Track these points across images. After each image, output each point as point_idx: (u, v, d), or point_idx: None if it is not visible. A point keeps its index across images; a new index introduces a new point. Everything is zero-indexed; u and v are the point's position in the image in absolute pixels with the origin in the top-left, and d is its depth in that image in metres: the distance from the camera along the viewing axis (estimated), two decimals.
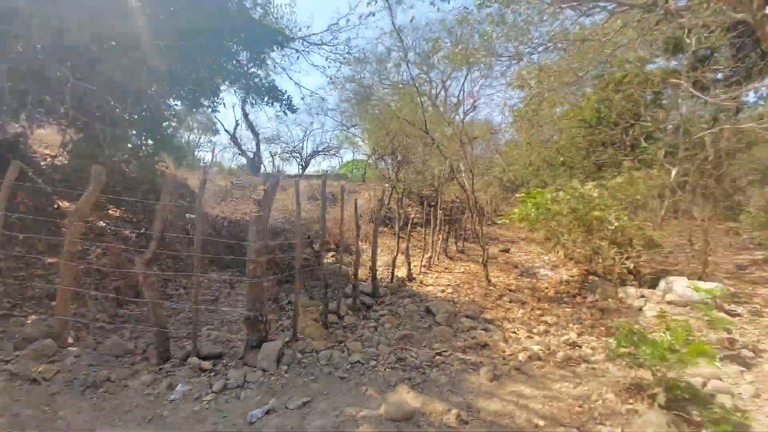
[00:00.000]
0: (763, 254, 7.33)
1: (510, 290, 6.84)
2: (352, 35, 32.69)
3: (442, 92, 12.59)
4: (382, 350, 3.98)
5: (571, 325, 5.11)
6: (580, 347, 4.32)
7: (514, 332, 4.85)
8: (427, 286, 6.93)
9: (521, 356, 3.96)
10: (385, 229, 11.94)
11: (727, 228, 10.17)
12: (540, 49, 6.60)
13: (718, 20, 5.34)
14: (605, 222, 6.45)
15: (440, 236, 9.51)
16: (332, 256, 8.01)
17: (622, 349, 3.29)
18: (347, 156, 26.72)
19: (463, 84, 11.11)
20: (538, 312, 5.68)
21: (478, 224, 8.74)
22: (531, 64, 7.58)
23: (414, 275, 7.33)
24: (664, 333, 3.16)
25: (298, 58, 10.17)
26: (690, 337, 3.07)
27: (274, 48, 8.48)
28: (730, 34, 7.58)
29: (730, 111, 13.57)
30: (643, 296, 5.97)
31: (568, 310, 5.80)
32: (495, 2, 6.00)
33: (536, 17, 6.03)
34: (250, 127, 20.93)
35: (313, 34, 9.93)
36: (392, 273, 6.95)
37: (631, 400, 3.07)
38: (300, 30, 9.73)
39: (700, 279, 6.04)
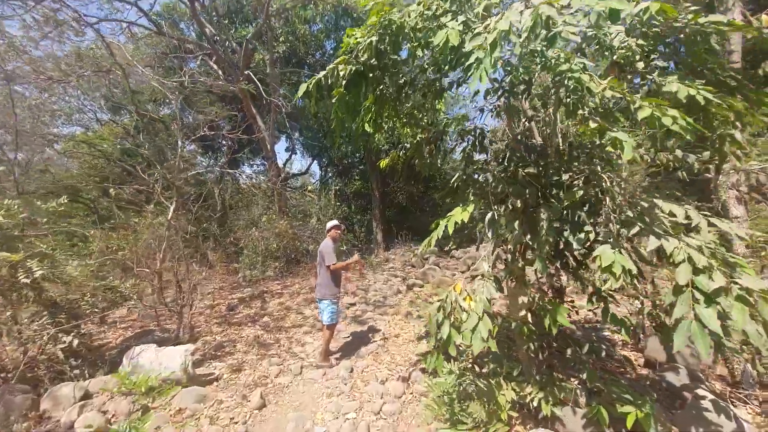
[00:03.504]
0: (250, 290, 7.14)
1: None
2: None
3: None
4: None
5: None
6: None
7: None
8: None
9: None
10: None
11: (233, 269, 10.11)
12: None
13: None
14: (21, 271, 3.22)
15: None
16: None
17: None
18: None
19: None
20: None
21: None
22: None
23: None
24: None
25: None
26: None
27: None
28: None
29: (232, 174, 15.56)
30: (85, 396, 3.20)
31: None
32: None
33: None
34: None
35: None
36: None
37: None
38: None
39: (177, 338, 4.27)
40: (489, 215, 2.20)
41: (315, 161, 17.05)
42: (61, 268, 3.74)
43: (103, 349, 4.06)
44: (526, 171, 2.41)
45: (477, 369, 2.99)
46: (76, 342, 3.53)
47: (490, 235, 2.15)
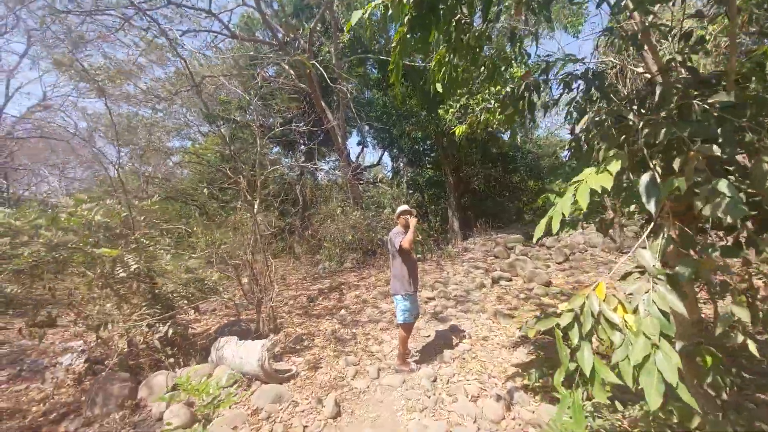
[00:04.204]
0: (329, 282, 7.09)
1: None
2: None
3: None
4: None
5: None
6: None
7: None
8: None
9: None
10: None
11: (315, 260, 10.41)
12: None
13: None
14: (118, 263, 3.42)
15: None
16: None
17: None
18: None
19: None
20: None
21: None
22: None
23: None
24: None
25: None
26: None
27: None
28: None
29: (310, 172, 16.39)
30: (175, 387, 3.27)
31: None
32: None
33: None
34: None
35: None
36: None
37: None
38: None
39: (258, 331, 4.23)
40: (646, 177, 1.37)
41: (386, 152, 16.77)
42: (156, 263, 3.95)
43: (196, 338, 4.25)
44: (711, 102, 1.48)
45: (618, 406, 2.12)
46: (171, 332, 3.67)
47: (652, 206, 1.32)
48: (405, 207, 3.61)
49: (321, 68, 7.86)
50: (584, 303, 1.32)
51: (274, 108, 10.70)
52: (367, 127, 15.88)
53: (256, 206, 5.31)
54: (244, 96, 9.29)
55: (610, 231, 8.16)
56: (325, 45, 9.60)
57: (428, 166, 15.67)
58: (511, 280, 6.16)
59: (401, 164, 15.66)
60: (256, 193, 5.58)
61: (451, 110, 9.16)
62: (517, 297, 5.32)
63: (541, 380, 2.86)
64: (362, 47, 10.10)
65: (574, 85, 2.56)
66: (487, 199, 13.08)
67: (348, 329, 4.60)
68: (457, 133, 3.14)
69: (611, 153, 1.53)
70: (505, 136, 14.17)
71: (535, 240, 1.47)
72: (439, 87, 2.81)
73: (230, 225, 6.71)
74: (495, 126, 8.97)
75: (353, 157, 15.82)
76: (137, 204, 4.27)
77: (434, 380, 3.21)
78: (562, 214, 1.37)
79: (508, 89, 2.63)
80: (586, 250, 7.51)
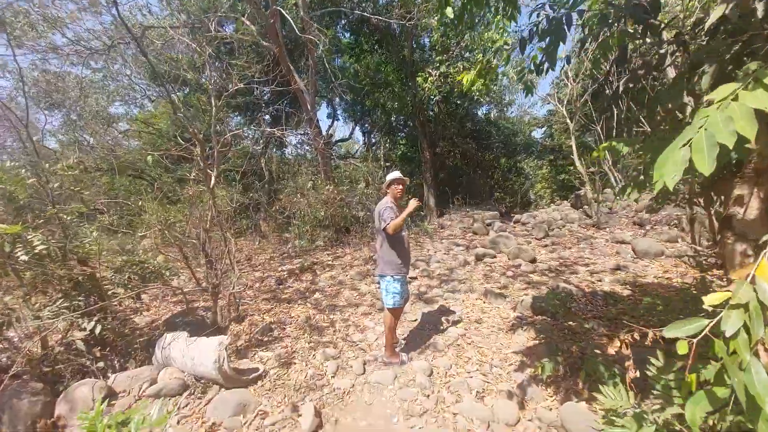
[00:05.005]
0: (300, 262, 6.38)
1: None
2: None
3: None
4: None
5: None
6: None
7: None
8: None
9: None
10: None
11: (283, 238, 9.57)
12: None
13: None
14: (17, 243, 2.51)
15: None
16: None
17: None
18: None
19: None
20: None
21: None
22: None
23: None
24: None
25: None
26: None
27: None
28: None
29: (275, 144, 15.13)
30: (110, 394, 2.52)
31: None
32: None
33: None
34: None
35: None
36: None
37: None
38: None
39: (215, 323, 3.50)
40: None
41: (357, 126, 15.80)
42: (76, 243, 3.04)
43: (137, 333, 3.44)
44: None
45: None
46: (99, 328, 2.85)
47: None
48: (396, 174, 2.97)
49: (289, 17, 6.75)
50: (747, 292, 0.79)
51: (233, 68, 9.35)
52: (337, 99, 14.74)
53: (213, 178, 4.42)
54: (197, 50, 7.93)
55: (585, 207, 8.10)
56: None
57: (401, 142, 14.99)
58: (495, 257, 5.82)
59: (374, 138, 14.84)
60: (212, 162, 4.66)
61: (430, 78, 8.46)
62: (504, 274, 4.98)
63: (554, 371, 2.47)
64: (333, 2, 8.96)
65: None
66: (462, 176, 12.75)
67: (324, 315, 4.00)
68: (464, 82, 2.50)
69: (754, 66, 0.98)
70: (480, 113, 13.76)
71: (656, 190, 0.92)
72: (449, 12, 2.15)
73: (184, 200, 5.73)
74: (481, 91, 8.40)
75: (323, 132, 14.71)
76: (48, 168, 3.24)
77: (430, 374, 2.73)
78: (711, 146, 0.81)
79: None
80: (564, 226, 7.38)
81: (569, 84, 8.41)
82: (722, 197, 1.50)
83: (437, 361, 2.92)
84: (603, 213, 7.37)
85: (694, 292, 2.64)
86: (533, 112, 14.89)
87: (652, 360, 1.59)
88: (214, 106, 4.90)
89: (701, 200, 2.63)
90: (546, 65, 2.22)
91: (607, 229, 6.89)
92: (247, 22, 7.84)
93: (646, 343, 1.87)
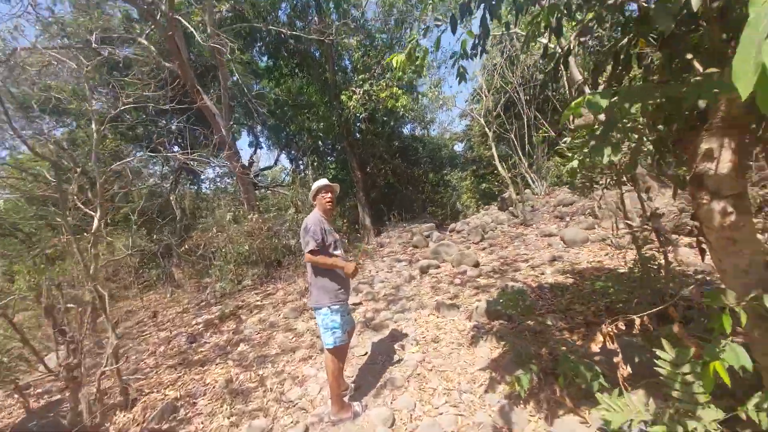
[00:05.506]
0: (219, 309, 5.29)
1: None
2: None
3: None
4: None
5: None
6: None
7: None
8: None
9: None
10: None
11: (203, 284, 8.12)
12: None
13: None
14: None
15: None
16: None
17: None
18: None
19: None
20: None
21: None
22: None
23: None
24: None
25: None
26: None
27: None
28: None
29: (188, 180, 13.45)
30: None
31: None
32: None
33: None
34: None
35: None
36: None
37: None
38: None
39: (75, 424, 2.43)
40: None
41: (283, 153, 14.97)
42: None
43: None
44: None
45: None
46: None
47: None
48: (323, 182, 2.46)
49: (190, 26, 5.94)
50: None
51: (125, 87, 7.98)
52: (259, 127, 13.81)
53: (96, 220, 3.33)
54: (79, 69, 6.49)
55: (511, 208, 8.52)
56: (196, 12, 7.50)
57: (331, 166, 14.57)
58: (439, 266, 5.55)
59: (302, 164, 14.14)
60: (96, 199, 3.56)
61: (354, 96, 8.29)
62: (452, 283, 4.68)
63: (531, 383, 2.09)
64: (246, 20, 8.36)
65: None
66: (395, 193, 12.72)
67: (251, 373, 3.14)
68: (394, 63, 2.13)
69: None
70: (405, 131, 14.13)
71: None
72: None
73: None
74: (405, 107, 8.45)
75: (245, 161, 13.51)
76: None
77: (392, 423, 2.14)
78: None
79: None
80: (497, 228, 7.57)
81: (484, 97, 9.01)
82: (687, 155, 1.31)
83: (398, 402, 2.35)
84: (527, 211, 7.78)
85: (637, 272, 2.58)
86: (452, 129, 15.89)
87: (660, 354, 1.30)
88: (95, 131, 3.84)
89: (630, 181, 2.63)
90: (479, 48, 1.98)
91: (533, 225, 7.23)
92: (145, 42, 6.74)
93: (633, 331, 1.59)
